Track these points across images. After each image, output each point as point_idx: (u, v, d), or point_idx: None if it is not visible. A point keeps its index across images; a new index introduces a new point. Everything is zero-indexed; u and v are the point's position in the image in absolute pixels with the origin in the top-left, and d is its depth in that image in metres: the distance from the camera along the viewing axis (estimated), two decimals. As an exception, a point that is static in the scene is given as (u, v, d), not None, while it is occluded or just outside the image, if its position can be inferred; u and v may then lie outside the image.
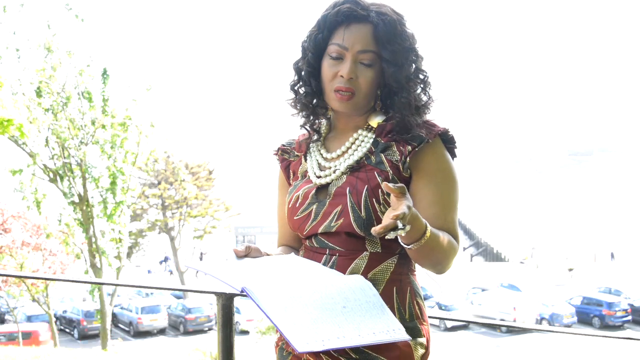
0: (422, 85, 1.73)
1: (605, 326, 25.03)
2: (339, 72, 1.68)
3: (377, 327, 1.38)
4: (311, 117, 1.80)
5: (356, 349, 1.56)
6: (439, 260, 1.61)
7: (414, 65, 1.71)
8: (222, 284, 1.50)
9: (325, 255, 1.69)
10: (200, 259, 39.15)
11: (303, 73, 1.75)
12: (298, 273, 1.56)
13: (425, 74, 1.73)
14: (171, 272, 40.19)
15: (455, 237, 1.65)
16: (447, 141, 1.71)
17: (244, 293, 1.41)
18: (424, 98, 1.74)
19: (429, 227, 1.53)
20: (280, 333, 1.35)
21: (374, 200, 1.64)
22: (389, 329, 1.39)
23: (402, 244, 1.54)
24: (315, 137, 1.82)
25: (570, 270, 36.65)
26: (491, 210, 79.47)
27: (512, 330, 23.98)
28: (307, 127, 1.82)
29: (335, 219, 1.67)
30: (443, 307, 26.33)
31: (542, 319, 25.23)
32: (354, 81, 1.67)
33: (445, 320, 23.94)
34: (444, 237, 1.60)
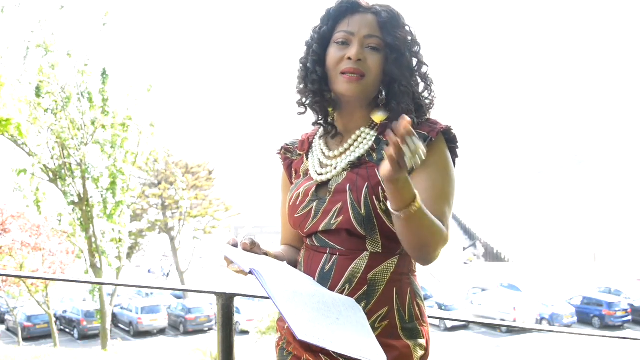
0: (424, 80, 1.73)
1: (605, 326, 25.03)
2: (346, 55, 1.67)
3: (363, 346, 1.42)
4: (321, 110, 1.77)
5: None
6: (425, 241, 1.53)
7: (415, 59, 1.72)
8: (220, 283, 1.51)
9: (325, 255, 1.68)
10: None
11: (309, 63, 1.73)
12: (295, 278, 1.58)
13: (426, 66, 1.73)
14: (167, 275, 40.12)
15: (445, 227, 1.59)
16: (449, 140, 1.70)
17: (252, 274, 1.43)
18: (426, 94, 1.74)
19: (419, 199, 1.47)
20: (282, 317, 1.40)
21: (374, 197, 1.62)
22: (372, 350, 1.42)
23: (390, 210, 1.49)
24: (332, 132, 1.78)
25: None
26: (491, 210, 79.45)
27: (512, 330, 23.98)
28: (322, 122, 1.79)
29: (335, 216, 1.66)
30: (443, 307, 26.36)
31: (542, 319, 25.24)
32: (362, 63, 1.66)
33: (445, 320, 23.94)
34: (434, 218, 1.54)
